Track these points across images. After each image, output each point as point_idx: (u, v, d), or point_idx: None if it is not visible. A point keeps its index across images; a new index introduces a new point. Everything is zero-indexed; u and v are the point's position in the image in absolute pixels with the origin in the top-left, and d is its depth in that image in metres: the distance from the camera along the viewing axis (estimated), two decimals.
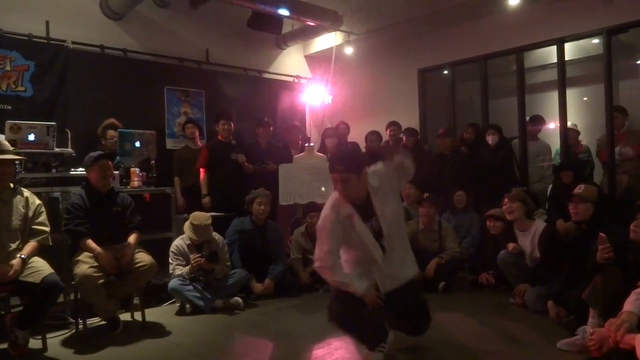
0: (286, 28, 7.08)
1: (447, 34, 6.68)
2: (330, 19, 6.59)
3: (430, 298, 4.43)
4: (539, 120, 5.97)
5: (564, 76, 5.83)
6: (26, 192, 3.46)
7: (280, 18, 6.37)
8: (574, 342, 3.07)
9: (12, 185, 3.41)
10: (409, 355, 3.11)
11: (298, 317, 4.10)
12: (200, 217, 4.37)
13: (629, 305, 2.53)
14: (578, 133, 5.94)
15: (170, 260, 4.32)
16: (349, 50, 7.18)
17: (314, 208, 4.86)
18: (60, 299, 3.65)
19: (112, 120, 5.30)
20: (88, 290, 3.51)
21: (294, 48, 7.96)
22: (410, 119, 6.80)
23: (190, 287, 4.18)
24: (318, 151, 6.13)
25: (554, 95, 5.94)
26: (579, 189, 3.71)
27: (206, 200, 5.40)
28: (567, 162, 5.46)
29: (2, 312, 3.56)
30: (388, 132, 6.33)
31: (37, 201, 3.51)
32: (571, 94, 5.95)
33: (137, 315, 3.95)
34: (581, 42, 5.92)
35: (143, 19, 6.32)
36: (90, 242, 3.62)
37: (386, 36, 6.94)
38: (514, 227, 4.29)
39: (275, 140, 6.13)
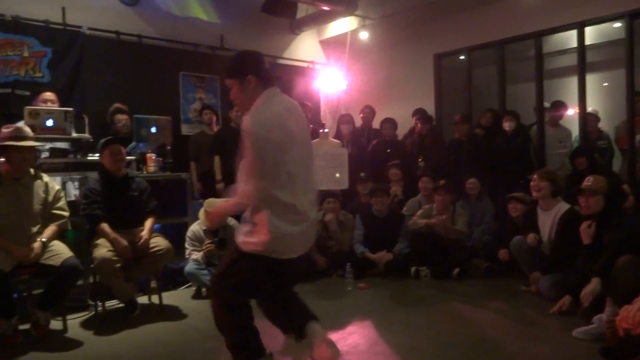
0: (300, 13, 7.02)
1: (463, 18, 6.56)
2: (344, 4, 6.51)
3: (444, 284, 4.51)
4: (560, 106, 5.86)
5: (584, 61, 5.71)
6: (46, 177, 3.53)
7: (295, 3, 6.31)
8: (589, 331, 3.06)
9: (32, 170, 3.47)
10: (426, 341, 3.13)
11: (312, 301, 4.07)
12: (214, 203, 4.37)
13: None
14: (597, 119, 5.83)
15: (186, 245, 4.37)
16: (364, 35, 7.11)
17: (330, 194, 5.00)
18: (80, 281, 3.72)
19: (117, 105, 5.28)
20: (106, 273, 3.57)
21: (309, 33, 7.90)
22: (425, 105, 6.74)
23: (206, 272, 4.22)
24: (333, 137, 6.11)
25: (574, 81, 5.83)
26: (588, 181, 3.58)
27: (220, 185, 5.43)
28: (580, 149, 5.36)
29: (24, 294, 3.65)
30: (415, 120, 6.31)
31: (57, 186, 3.58)
32: (591, 79, 5.83)
33: (155, 299, 4.02)
34: (602, 26, 5.78)
35: (157, 5, 6.31)
36: (105, 227, 3.66)
37: (402, 21, 6.85)
38: (538, 206, 4.18)
39: None
